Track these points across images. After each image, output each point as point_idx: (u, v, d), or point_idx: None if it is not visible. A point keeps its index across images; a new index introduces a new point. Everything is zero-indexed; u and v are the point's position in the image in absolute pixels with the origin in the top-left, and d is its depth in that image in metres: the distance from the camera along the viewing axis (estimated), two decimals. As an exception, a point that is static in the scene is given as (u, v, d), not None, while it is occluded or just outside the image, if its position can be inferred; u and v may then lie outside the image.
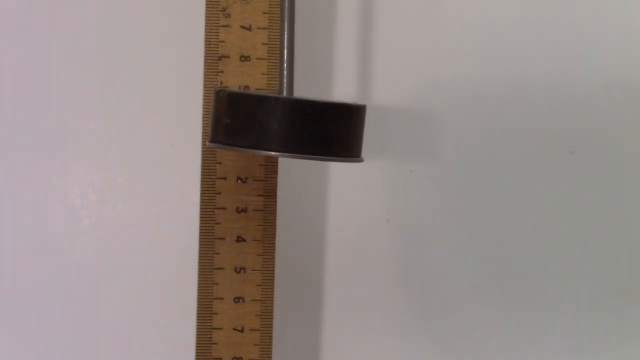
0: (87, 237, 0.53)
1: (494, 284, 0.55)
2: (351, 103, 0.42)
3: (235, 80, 0.47)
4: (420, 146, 0.54)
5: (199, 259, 0.48)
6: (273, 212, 0.48)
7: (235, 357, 0.48)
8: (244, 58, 0.47)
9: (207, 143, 0.43)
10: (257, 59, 0.47)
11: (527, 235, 0.55)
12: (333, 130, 0.41)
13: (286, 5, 0.43)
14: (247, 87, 0.47)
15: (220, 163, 0.48)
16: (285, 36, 0.43)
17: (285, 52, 0.43)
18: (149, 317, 0.54)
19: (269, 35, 0.47)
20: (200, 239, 0.48)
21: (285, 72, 0.43)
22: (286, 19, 0.43)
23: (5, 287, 0.53)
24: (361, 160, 0.42)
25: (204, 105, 0.47)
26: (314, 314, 0.54)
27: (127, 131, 0.53)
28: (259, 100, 0.41)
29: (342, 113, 0.41)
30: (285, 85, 0.43)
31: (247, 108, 0.41)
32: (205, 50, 0.47)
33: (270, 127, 0.40)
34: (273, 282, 0.48)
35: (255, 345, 0.48)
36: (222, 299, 0.48)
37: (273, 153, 0.40)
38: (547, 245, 0.55)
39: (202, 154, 0.48)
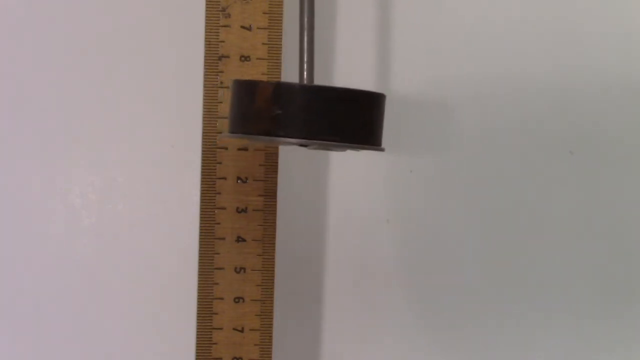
0: (87, 237, 0.53)
1: (494, 284, 0.55)
2: (379, 92, 0.43)
3: (235, 80, 0.47)
4: (420, 146, 0.54)
5: (199, 259, 0.48)
6: (273, 212, 0.48)
7: (235, 357, 0.48)
8: (244, 58, 0.47)
9: (242, 135, 0.41)
10: (257, 59, 0.47)
11: (527, 235, 0.55)
12: (370, 118, 0.42)
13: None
14: (247, 87, 0.47)
15: (220, 163, 0.48)
16: (306, 24, 0.43)
17: (306, 40, 0.43)
18: (149, 317, 0.54)
19: (269, 35, 0.47)
20: (200, 239, 0.48)
21: (306, 61, 0.43)
22: (306, 8, 0.43)
23: (5, 287, 0.53)
24: (383, 149, 0.43)
25: (204, 105, 0.47)
26: (314, 314, 0.54)
27: (127, 131, 0.53)
28: (317, 91, 0.41)
29: (375, 101, 0.42)
30: (305, 75, 0.43)
31: (300, 98, 0.40)
32: (205, 50, 0.47)
33: (324, 117, 0.40)
34: (273, 282, 0.48)
35: (255, 345, 0.48)
36: (222, 299, 0.48)
37: (329, 143, 0.40)
38: (547, 245, 0.55)
39: (202, 154, 0.48)
